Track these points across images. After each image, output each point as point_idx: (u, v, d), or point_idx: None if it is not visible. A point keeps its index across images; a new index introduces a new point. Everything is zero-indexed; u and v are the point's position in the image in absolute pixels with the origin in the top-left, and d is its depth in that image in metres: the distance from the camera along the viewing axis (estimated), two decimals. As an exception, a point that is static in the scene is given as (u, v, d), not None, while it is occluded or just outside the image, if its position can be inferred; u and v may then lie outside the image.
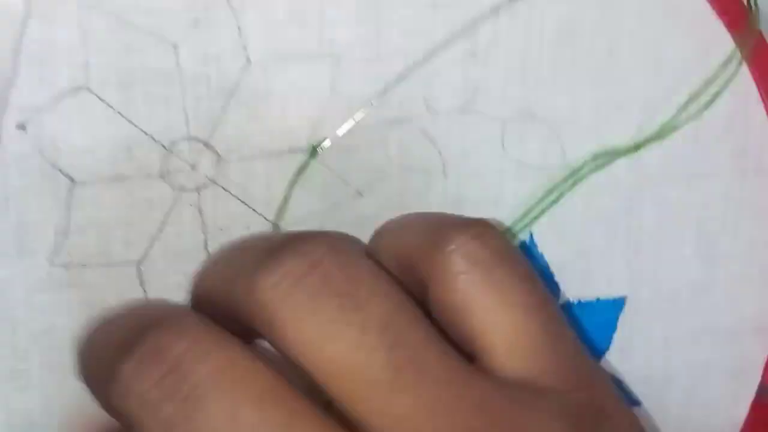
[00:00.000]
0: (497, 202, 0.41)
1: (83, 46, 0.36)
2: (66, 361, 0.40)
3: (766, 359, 0.45)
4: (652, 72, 0.41)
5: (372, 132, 0.39)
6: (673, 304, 0.44)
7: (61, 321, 0.40)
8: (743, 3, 0.42)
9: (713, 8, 0.41)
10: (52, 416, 0.40)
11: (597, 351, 0.44)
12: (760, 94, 0.42)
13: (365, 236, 0.41)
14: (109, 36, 0.36)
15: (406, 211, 0.41)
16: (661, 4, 0.41)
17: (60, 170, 0.37)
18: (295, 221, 0.40)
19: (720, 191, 0.43)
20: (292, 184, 0.39)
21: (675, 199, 0.43)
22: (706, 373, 0.45)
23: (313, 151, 0.39)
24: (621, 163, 0.42)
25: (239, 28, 0.37)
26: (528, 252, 0.42)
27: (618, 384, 0.44)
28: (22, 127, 0.37)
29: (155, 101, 0.37)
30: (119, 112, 0.37)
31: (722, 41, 0.42)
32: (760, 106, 0.43)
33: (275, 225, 0.40)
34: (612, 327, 0.44)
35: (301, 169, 0.39)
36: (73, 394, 0.40)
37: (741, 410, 0.46)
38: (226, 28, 0.37)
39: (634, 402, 0.45)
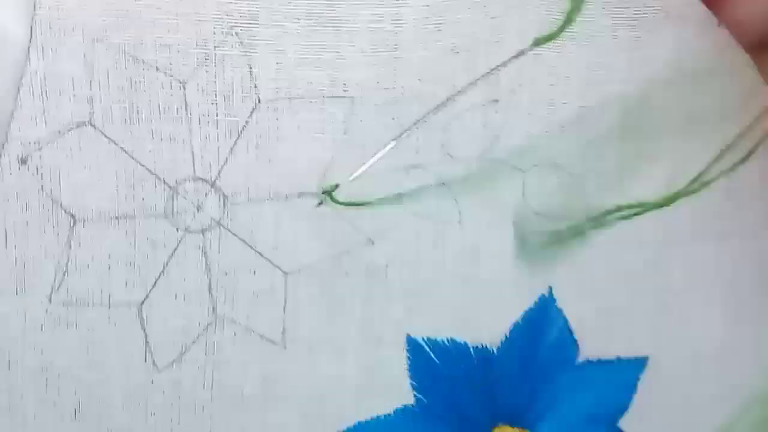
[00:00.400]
0: (515, 254, 0.40)
1: (88, 80, 0.35)
2: (63, 400, 0.39)
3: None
4: (684, 123, 0.40)
5: (386, 178, 0.38)
6: (697, 365, 0.42)
7: (59, 360, 0.39)
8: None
9: (756, 66, 0.39)
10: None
11: (615, 412, 0.42)
12: (798, 150, 0.41)
13: (375, 288, 0.40)
14: (115, 71, 0.35)
15: (418, 261, 0.40)
16: (696, 53, 0.39)
17: (61, 206, 0.37)
18: (302, 268, 0.39)
19: (752, 250, 0.41)
20: (302, 228, 0.38)
21: (705, 257, 0.41)
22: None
23: (324, 196, 0.38)
24: (649, 218, 0.40)
25: (250, 66, 0.36)
26: (547, 306, 0.40)
27: (636, 447, 0.43)
28: (23, 161, 0.36)
29: (161, 139, 0.36)
30: (123, 149, 0.36)
31: (759, 94, 0.40)
32: (798, 163, 0.41)
33: (284, 273, 0.39)
34: (632, 388, 0.42)
35: (311, 214, 0.38)
36: (68, 434, 0.40)
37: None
38: (237, 67, 0.36)
39: (651, 466, 0.43)
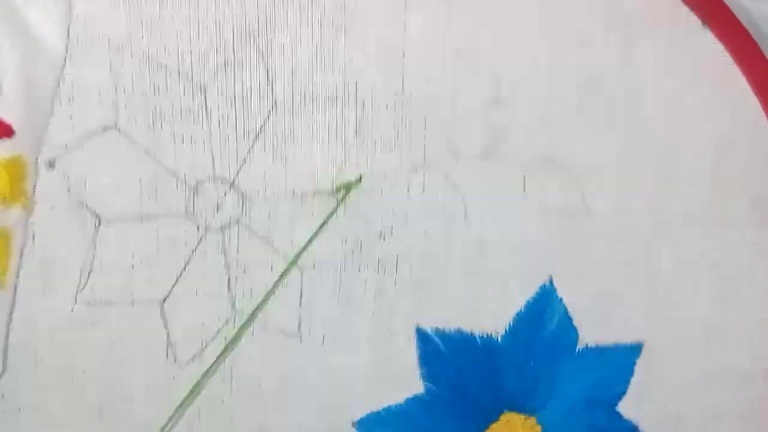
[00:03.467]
0: (518, 246, 0.42)
1: (113, 86, 0.37)
2: (88, 399, 0.40)
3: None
4: (672, 121, 0.42)
5: (395, 175, 0.40)
6: (689, 347, 0.44)
7: (84, 359, 0.40)
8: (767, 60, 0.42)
9: (736, 63, 0.42)
10: (72, 453, 0.41)
11: (614, 396, 0.44)
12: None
13: (386, 281, 0.42)
14: (138, 77, 0.37)
15: (427, 255, 0.42)
16: (683, 54, 0.41)
17: (87, 208, 0.38)
18: (316, 264, 0.41)
19: (737, 238, 0.43)
20: (317, 225, 0.40)
21: (692, 244, 0.43)
22: (719, 417, 0.45)
23: (338, 193, 0.40)
24: (641, 208, 0.42)
25: (267, 71, 0.38)
26: (548, 296, 0.42)
27: (633, 430, 0.44)
28: (51, 164, 0.37)
29: (182, 141, 0.38)
30: (147, 151, 0.38)
31: (743, 93, 0.42)
32: (779, 156, 0.43)
33: (299, 267, 0.41)
34: (629, 371, 0.44)
35: (325, 211, 0.40)
36: (93, 432, 0.41)
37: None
38: (254, 71, 0.38)
39: (649, 447, 0.45)
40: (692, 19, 0.41)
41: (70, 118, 0.37)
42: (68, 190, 0.38)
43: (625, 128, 0.41)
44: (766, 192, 0.43)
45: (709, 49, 0.41)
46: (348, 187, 0.40)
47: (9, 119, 0.36)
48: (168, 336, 0.40)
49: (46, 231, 0.38)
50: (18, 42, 0.35)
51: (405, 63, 0.39)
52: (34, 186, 0.37)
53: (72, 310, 0.39)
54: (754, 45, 0.41)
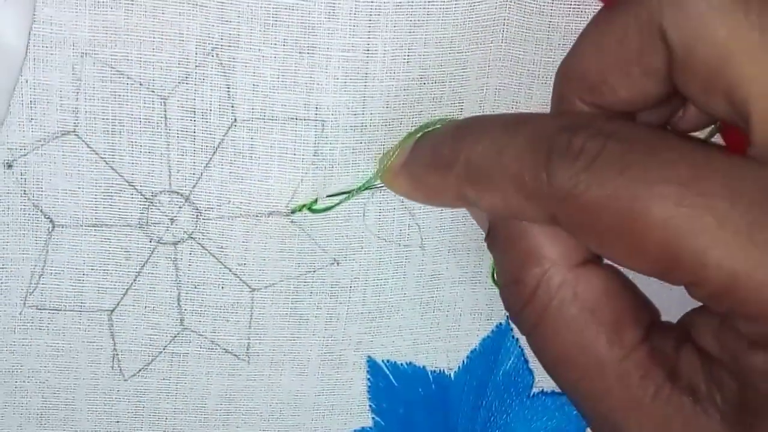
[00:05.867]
0: (474, 279, 0.41)
1: (75, 91, 0.37)
2: (29, 402, 0.40)
3: None
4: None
5: (352, 200, 0.40)
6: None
7: (28, 363, 0.40)
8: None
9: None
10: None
11: None
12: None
13: (339, 308, 0.41)
14: (100, 83, 0.37)
15: (380, 283, 0.41)
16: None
17: (42, 211, 0.38)
18: (268, 285, 0.40)
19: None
20: (270, 246, 0.40)
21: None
22: None
23: (295, 214, 0.40)
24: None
25: (228, 87, 0.38)
26: (503, 335, 0.42)
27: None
28: (8, 165, 0.38)
29: (140, 151, 0.38)
30: (104, 158, 0.38)
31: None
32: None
33: (251, 289, 0.40)
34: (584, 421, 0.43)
35: (280, 232, 0.40)
36: (32, 436, 0.41)
37: None
38: (216, 86, 0.38)
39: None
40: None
41: (30, 120, 0.37)
42: (24, 192, 0.38)
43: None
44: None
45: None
46: (302, 209, 0.40)
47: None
48: (114, 347, 0.40)
49: (0, 232, 0.38)
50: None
51: (367, 87, 0.39)
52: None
53: (20, 313, 0.39)
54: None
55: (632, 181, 0.28)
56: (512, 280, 0.32)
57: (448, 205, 0.38)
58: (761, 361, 0.28)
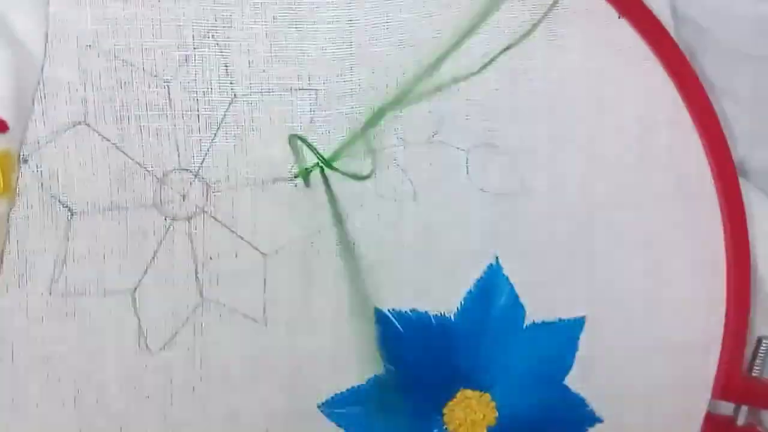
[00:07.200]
0: (464, 225, 0.45)
1: (82, 83, 0.39)
2: (63, 389, 0.41)
3: (714, 376, 0.48)
4: (595, 108, 0.45)
5: (349, 162, 0.43)
6: (629, 321, 0.47)
7: (59, 350, 0.41)
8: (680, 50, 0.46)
9: (654, 53, 0.46)
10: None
11: (560, 371, 0.46)
12: (696, 127, 0.46)
13: (344, 265, 0.44)
14: (105, 73, 0.40)
15: (381, 238, 0.44)
16: (604, 43, 0.45)
17: (59, 201, 0.40)
18: (279, 249, 0.43)
19: (665, 215, 0.47)
20: (278, 212, 0.43)
21: (623, 223, 0.46)
22: (661, 388, 0.47)
23: (299, 179, 0.42)
24: (573, 190, 0.45)
25: (226, 65, 0.41)
26: (495, 274, 0.45)
27: (581, 402, 0.47)
28: (24, 160, 0.39)
29: (148, 134, 0.40)
30: (115, 144, 0.40)
31: (661, 79, 0.46)
32: (696, 137, 0.47)
33: (263, 255, 0.43)
34: (574, 347, 0.46)
35: (286, 198, 0.42)
36: (71, 423, 0.42)
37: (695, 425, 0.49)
38: (214, 66, 0.41)
39: (596, 419, 0.47)
40: (611, 12, 0.45)
41: (42, 114, 0.39)
42: (41, 185, 0.40)
43: (553, 114, 0.45)
44: (690, 169, 0.46)
45: (627, 38, 0.45)
46: (306, 174, 0.42)
47: (4, 116, 0.38)
48: (139, 324, 0.42)
49: (21, 225, 0.40)
50: (7, 45, 0.38)
51: (353, 54, 0.42)
52: (17, 179, 0.39)
53: (47, 303, 0.40)
54: (665, 33, 0.45)
55: None
56: None
57: None
58: None
